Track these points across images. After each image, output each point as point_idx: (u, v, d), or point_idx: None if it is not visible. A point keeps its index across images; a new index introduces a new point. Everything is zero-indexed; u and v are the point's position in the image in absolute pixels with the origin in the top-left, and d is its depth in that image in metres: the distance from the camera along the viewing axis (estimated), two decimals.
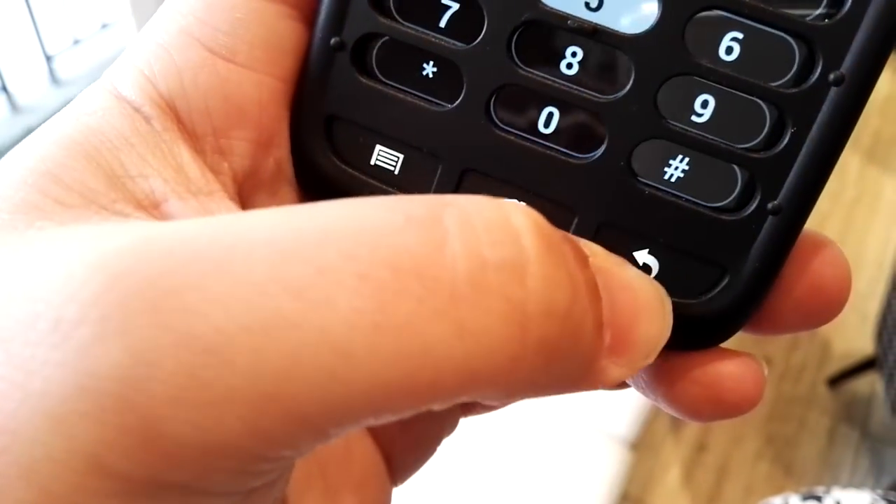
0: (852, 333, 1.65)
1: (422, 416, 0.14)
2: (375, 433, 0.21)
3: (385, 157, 0.18)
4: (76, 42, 1.41)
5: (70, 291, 0.12)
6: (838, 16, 0.16)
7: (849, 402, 1.59)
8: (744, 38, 0.16)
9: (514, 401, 0.15)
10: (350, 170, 0.18)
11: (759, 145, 0.17)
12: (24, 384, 0.11)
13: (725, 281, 0.17)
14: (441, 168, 0.18)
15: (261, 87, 0.17)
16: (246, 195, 0.17)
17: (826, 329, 1.69)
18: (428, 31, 0.17)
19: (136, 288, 0.12)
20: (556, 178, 0.17)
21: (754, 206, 0.17)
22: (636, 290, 0.15)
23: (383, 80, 0.18)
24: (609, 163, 0.17)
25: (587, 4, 0.16)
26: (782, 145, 0.16)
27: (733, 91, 0.16)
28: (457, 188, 0.18)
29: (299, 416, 0.12)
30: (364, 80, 0.18)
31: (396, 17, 0.17)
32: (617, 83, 0.17)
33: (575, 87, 0.17)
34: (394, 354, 0.12)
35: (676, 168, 0.17)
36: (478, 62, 0.17)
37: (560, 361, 0.13)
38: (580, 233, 0.17)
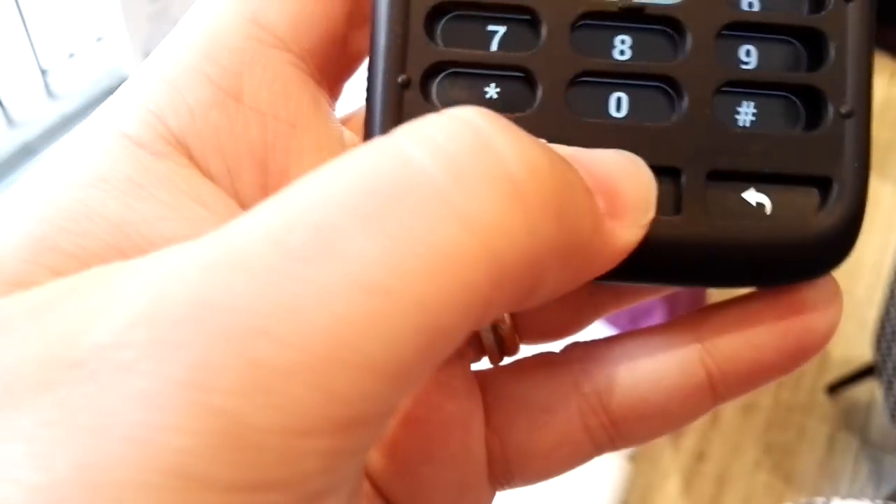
0: (851, 340, 1.65)
1: None
2: None
3: None
4: (71, 56, 1.41)
5: (112, 323, 0.12)
6: None
7: (848, 410, 1.59)
8: None
9: (553, 290, 0.15)
10: None
11: (811, 67, 0.19)
12: (99, 414, 0.11)
13: (835, 190, 0.18)
14: None
15: (266, 130, 0.17)
16: None
17: None
18: (486, 53, 0.18)
19: (176, 315, 0.12)
20: (653, 145, 0.18)
21: (831, 116, 0.18)
22: (604, 159, 0.16)
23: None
24: (696, 116, 0.18)
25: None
26: (831, 59, 0.18)
27: (772, 33, 0.18)
28: None
29: (368, 367, 0.12)
30: (438, 110, 0.18)
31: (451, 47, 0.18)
32: (674, 50, 0.18)
33: (639, 62, 0.18)
34: (426, 274, 0.12)
35: (746, 113, 0.18)
36: (547, 62, 0.18)
37: (568, 219, 0.14)
38: (692, 188, 0.18)
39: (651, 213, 0.16)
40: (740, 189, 0.18)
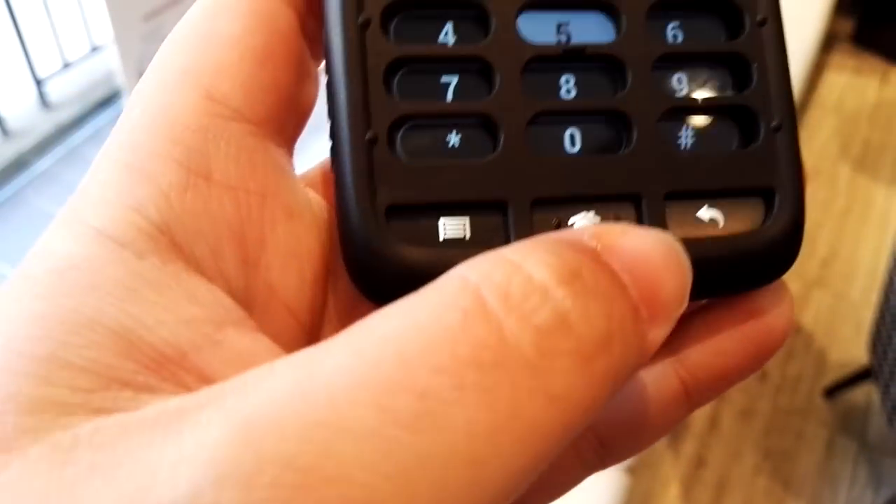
0: (847, 343, 1.65)
1: None
2: None
3: (452, 226, 0.18)
4: (66, 65, 1.42)
5: None
6: None
7: (846, 413, 1.59)
8: (680, 23, 0.20)
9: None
10: (424, 255, 0.18)
11: (737, 88, 0.20)
12: None
13: (777, 199, 0.20)
14: (511, 209, 0.19)
15: (239, 205, 0.17)
16: None
17: (821, 339, 1.69)
18: (446, 104, 0.19)
19: (274, 479, 0.12)
20: (612, 175, 0.19)
21: (763, 131, 0.20)
22: (646, 253, 0.16)
23: (422, 157, 0.19)
24: (645, 143, 0.19)
25: (559, 39, 0.20)
26: (755, 79, 0.20)
27: (699, 61, 0.20)
28: (532, 220, 0.19)
29: None
30: (406, 162, 0.18)
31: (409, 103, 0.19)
32: (615, 84, 0.20)
33: (587, 98, 0.20)
34: (513, 444, 0.13)
35: (686, 136, 0.20)
36: (504, 108, 0.19)
37: (623, 367, 0.15)
38: (653, 211, 0.19)
39: (685, 307, 0.16)
40: (695, 207, 0.20)
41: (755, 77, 0.20)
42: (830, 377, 1.61)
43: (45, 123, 1.40)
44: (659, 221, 0.19)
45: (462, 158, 0.19)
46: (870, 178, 2.03)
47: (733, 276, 0.19)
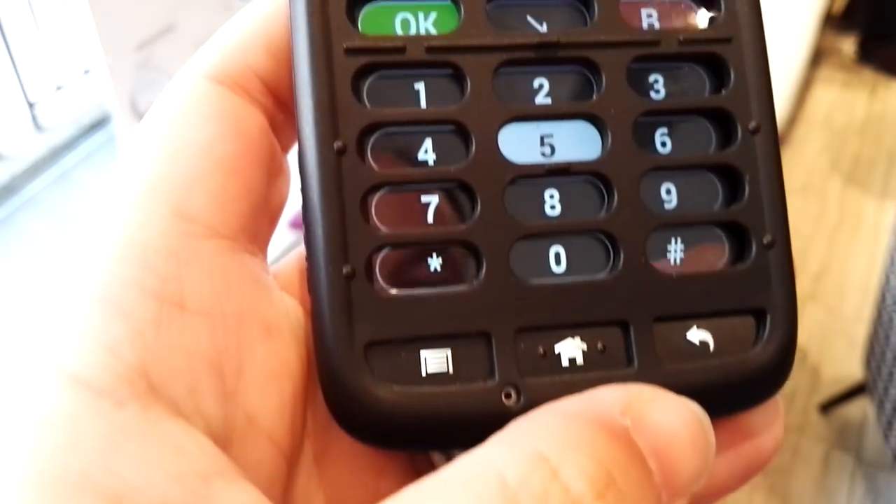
0: (841, 358, 1.65)
1: None
2: None
3: (434, 360, 0.18)
4: (58, 88, 1.42)
5: None
6: (730, 85, 0.19)
7: (842, 428, 1.58)
8: (669, 130, 0.19)
9: None
10: (407, 391, 0.17)
11: (728, 201, 0.19)
12: None
13: (769, 318, 0.19)
14: (495, 339, 0.18)
15: (215, 332, 0.16)
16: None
17: (815, 354, 1.69)
18: (426, 229, 0.18)
19: None
20: (598, 300, 0.18)
21: (754, 248, 0.19)
22: (673, 429, 0.16)
23: (401, 288, 0.18)
24: (633, 265, 0.18)
25: (543, 153, 0.19)
26: (747, 192, 0.19)
27: (689, 171, 0.19)
28: (516, 350, 0.18)
29: None
30: (385, 295, 0.18)
31: (388, 228, 0.18)
32: (601, 201, 0.19)
33: (572, 218, 0.19)
34: None
35: (675, 250, 0.19)
36: (486, 232, 0.18)
37: None
38: (641, 338, 0.18)
39: (704, 482, 0.16)
40: (684, 330, 0.19)
41: (747, 189, 0.19)
42: (825, 392, 1.60)
43: (38, 146, 1.40)
44: (647, 347, 0.18)
45: (443, 286, 0.18)
46: (860, 191, 2.03)
47: (724, 399, 0.19)
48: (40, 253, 1.18)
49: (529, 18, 0.19)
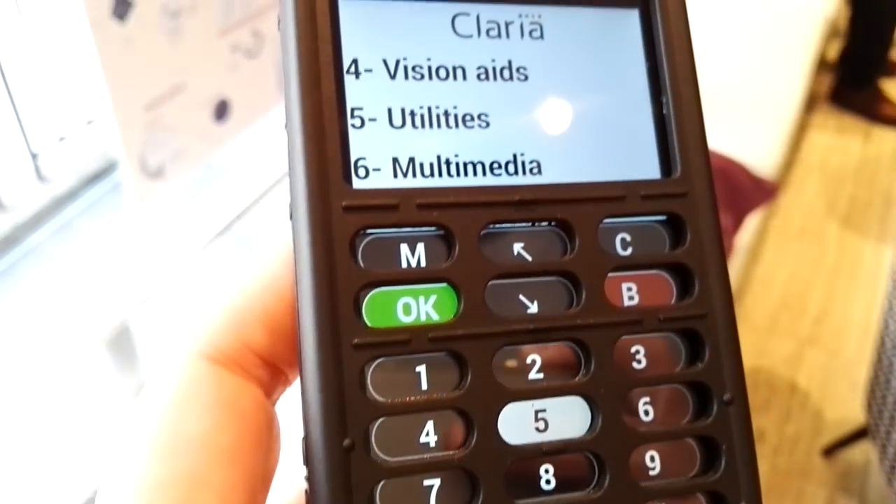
0: (843, 401, 1.64)
1: None
2: None
3: None
4: (62, 139, 1.43)
5: None
6: (705, 358, 0.20)
7: (845, 472, 1.57)
8: (650, 399, 0.20)
9: None
10: None
11: (706, 470, 0.20)
12: None
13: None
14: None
15: None
16: None
17: (817, 398, 1.68)
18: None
19: None
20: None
21: (722, 466, 0.20)
22: None
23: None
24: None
25: (537, 428, 0.19)
26: (723, 463, 0.20)
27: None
28: None
29: None
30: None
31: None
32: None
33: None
34: None
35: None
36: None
37: None
38: None
39: None
40: None
41: (724, 461, 0.20)
42: (828, 436, 1.59)
43: (41, 197, 1.41)
44: None
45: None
46: (857, 235, 2.04)
47: None
48: (42, 304, 1.18)
49: (521, 297, 0.20)
